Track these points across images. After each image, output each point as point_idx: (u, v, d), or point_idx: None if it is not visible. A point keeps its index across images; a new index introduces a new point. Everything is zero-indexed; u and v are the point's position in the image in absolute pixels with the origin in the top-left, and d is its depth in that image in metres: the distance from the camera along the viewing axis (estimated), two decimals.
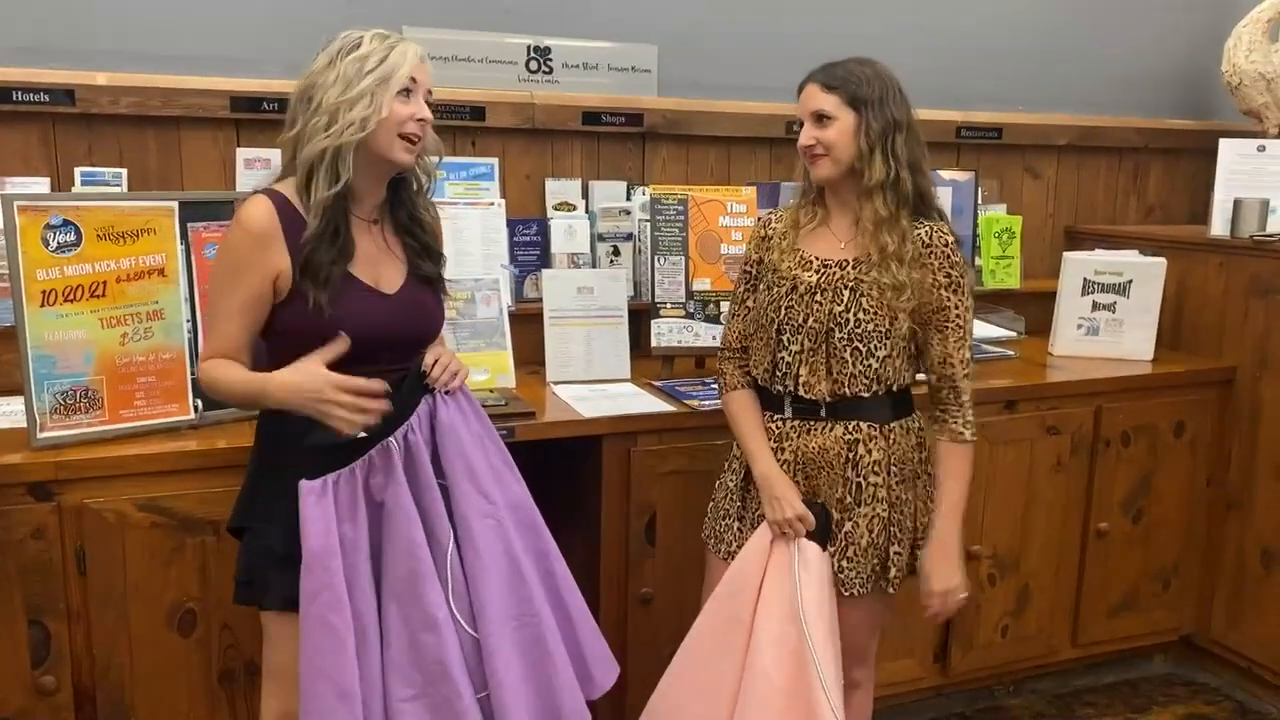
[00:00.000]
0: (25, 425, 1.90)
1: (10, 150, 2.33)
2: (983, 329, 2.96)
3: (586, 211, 2.78)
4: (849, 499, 1.90)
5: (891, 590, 1.95)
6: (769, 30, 2.98)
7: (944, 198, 2.64)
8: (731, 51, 2.98)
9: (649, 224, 2.67)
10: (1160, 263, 2.93)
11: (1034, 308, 3.13)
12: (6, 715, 1.87)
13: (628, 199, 2.81)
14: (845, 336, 1.85)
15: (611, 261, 2.72)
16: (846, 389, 1.88)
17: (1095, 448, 2.75)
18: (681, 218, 2.59)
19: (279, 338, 1.70)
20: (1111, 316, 2.93)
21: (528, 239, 2.69)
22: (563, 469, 2.40)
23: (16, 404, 1.98)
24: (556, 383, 2.47)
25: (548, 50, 2.79)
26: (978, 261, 3.04)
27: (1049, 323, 3.01)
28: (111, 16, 2.42)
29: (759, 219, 2.04)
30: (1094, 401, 2.73)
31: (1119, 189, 3.50)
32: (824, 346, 1.87)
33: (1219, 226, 2.98)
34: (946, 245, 1.87)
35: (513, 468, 1.82)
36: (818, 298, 1.87)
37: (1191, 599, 2.98)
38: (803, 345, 1.88)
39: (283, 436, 1.68)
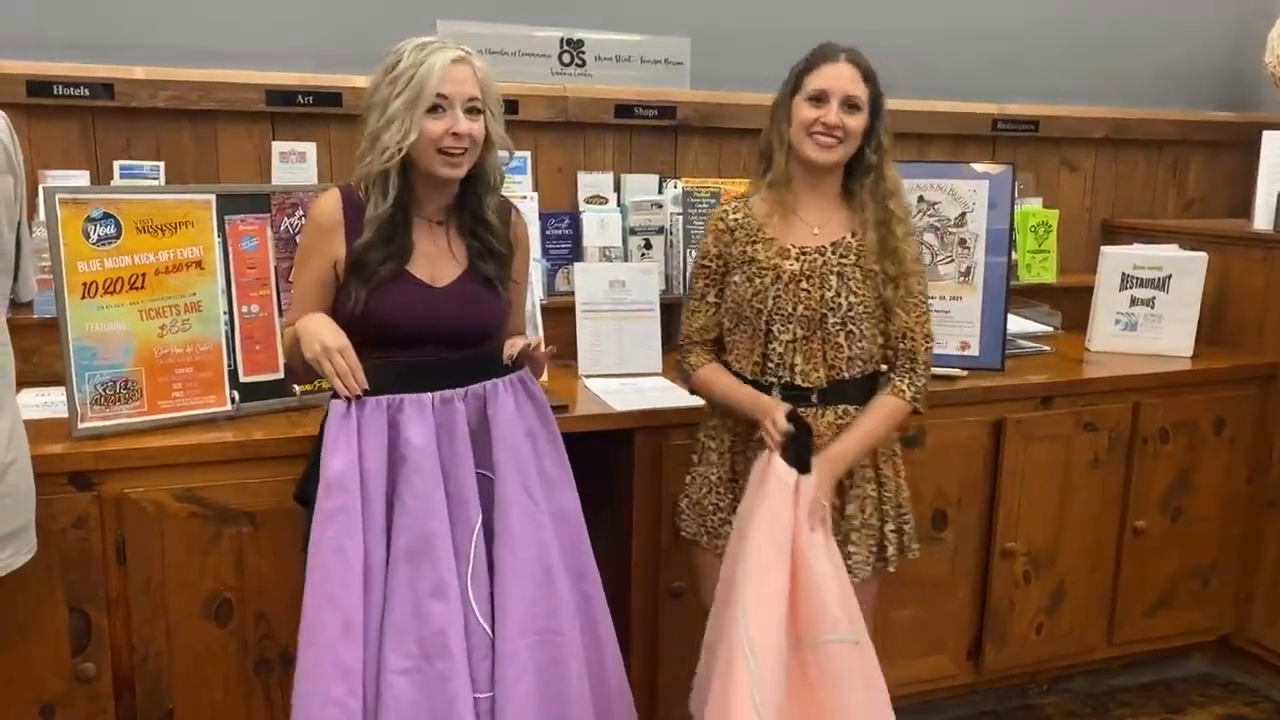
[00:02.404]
0: (66, 415, 1.92)
1: (51, 143, 2.36)
2: (1018, 324, 2.92)
3: (618, 205, 2.78)
4: (845, 482, 1.90)
5: (891, 569, 1.95)
6: (802, 22, 2.94)
7: (979, 191, 2.61)
8: (764, 44, 2.94)
9: (681, 217, 2.66)
10: (1201, 257, 2.88)
11: (1070, 303, 3.09)
12: (48, 701, 1.90)
13: (660, 192, 2.80)
14: (839, 321, 1.85)
15: (643, 255, 2.71)
16: (844, 373, 1.88)
17: (1133, 444, 2.71)
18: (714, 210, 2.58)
19: (338, 320, 1.75)
20: (1150, 312, 2.89)
21: (559, 232, 2.69)
22: (594, 462, 2.40)
23: (58, 394, 2.00)
24: (588, 376, 2.47)
25: (580, 43, 2.79)
26: (1014, 256, 3.01)
27: (1086, 318, 2.97)
28: (149, 11, 2.45)
29: (716, 212, 2.00)
30: (1132, 398, 2.69)
31: (1157, 182, 3.45)
32: (818, 333, 1.86)
33: (1262, 220, 2.92)
34: (910, 228, 1.92)
35: (569, 478, 1.81)
36: (804, 285, 1.86)
37: (1230, 598, 2.94)
38: (795, 334, 1.87)
39: None
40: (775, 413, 1.83)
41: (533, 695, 1.69)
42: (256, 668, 2.02)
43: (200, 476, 1.93)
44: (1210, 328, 2.95)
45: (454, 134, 1.67)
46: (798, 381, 1.88)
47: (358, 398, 1.64)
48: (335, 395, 1.65)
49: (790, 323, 1.87)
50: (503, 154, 1.80)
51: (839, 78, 1.84)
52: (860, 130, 1.85)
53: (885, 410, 1.89)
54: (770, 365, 1.89)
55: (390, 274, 1.70)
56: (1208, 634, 2.96)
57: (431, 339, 1.72)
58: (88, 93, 2.34)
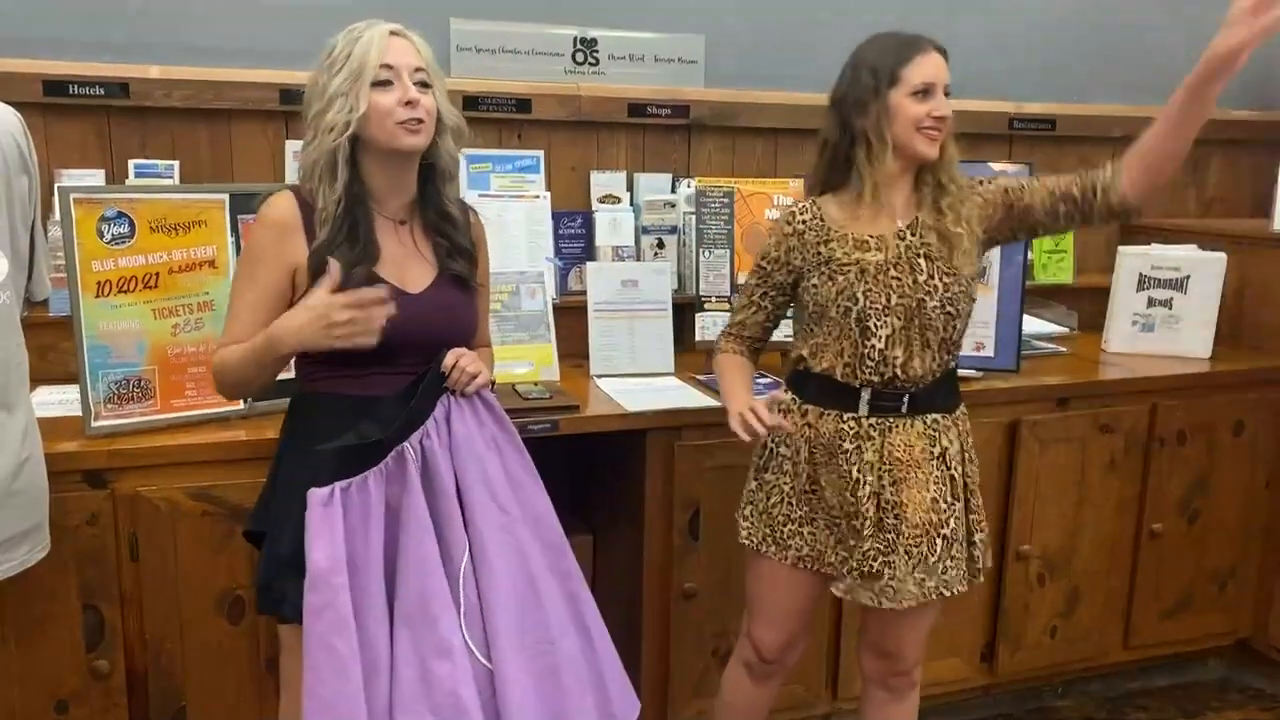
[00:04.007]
0: (80, 414, 1.93)
1: (67, 142, 2.37)
2: (1034, 324, 2.90)
3: (631, 204, 2.77)
4: (949, 494, 1.85)
5: (981, 579, 1.93)
6: (817, 20, 2.94)
7: None
8: (779, 42, 2.95)
9: (694, 216, 2.65)
10: (1220, 258, 2.85)
11: (1087, 303, 3.06)
12: (63, 697, 1.91)
13: (673, 191, 2.79)
14: (938, 303, 1.80)
15: (656, 254, 2.70)
16: (941, 357, 1.84)
17: (1150, 447, 2.68)
18: (727, 210, 2.58)
19: None
20: (1168, 313, 2.86)
21: (572, 231, 2.69)
22: (606, 463, 2.40)
23: (72, 392, 2.01)
24: (600, 376, 2.46)
25: (594, 42, 2.79)
26: (1030, 256, 2.98)
27: (1103, 318, 2.94)
28: (164, 9, 2.45)
29: (783, 214, 1.94)
30: (1149, 399, 2.67)
31: (1177, 182, 3.40)
32: (916, 320, 1.81)
33: None
34: (970, 180, 1.90)
35: (536, 478, 1.72)
36: (893, 273, 1.81)
37: (1248, 602, 2.91)
38: (893, 326, 1.80)
39: (306, 441, 1.62)
40: (746, 407, 1.78)
41: (534, 711, 1.63)
42: (268, 665, 2.02)
43: (213, 475, 1.94)
44: (1229, 329, 2.92)
45: (408, 102, 1.57)
46: (898, 375, 1.82)
47: (344, 488, 1.53)
48: (320, 481, 1.52)
49: (887, 315, 1.80)
50: (455, 140, 1.69)
51: (939, 68, 1.80)
52: None
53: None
54: (869, 363, 1.82)
55: (360, 279, 1.57)
56: (1225, 638, 2.93)
57: (411, 351, 1.62)
58: (103, 92, 2.36)
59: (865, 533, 1.83)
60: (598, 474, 2.47)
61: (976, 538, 1.90)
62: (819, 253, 1.85)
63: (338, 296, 1.52)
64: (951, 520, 1.85)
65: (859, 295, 1.81)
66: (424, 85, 1.62)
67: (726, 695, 2.11)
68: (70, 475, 1.85)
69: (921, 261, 1.81)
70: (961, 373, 2.49)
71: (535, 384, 2.31)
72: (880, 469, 1.83)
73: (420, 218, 1.71)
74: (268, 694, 2.03)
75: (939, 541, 1.84)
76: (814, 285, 1.85)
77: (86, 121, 2.38)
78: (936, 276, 1.81)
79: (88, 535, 1.88)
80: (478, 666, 1.58)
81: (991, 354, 2.57)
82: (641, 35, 2.82)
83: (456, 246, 1.70)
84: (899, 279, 1.81)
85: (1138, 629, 2.79)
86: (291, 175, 2.47)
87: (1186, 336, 2.84)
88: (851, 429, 1.85)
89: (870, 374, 1.83)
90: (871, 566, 1.83)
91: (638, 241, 2.71)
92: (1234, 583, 2.88)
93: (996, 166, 2.62)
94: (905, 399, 1.84)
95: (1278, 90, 3.41)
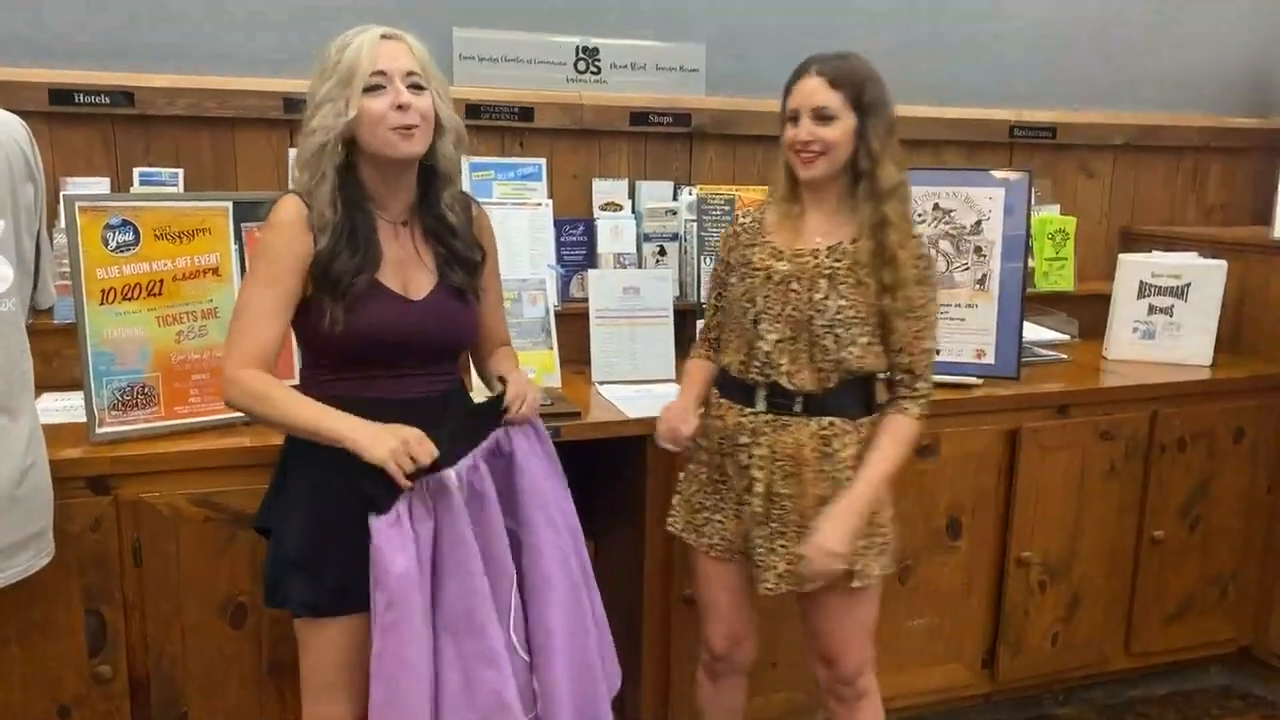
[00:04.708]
0: (84, 420, 1.95)
1: (73, 150, 2.39)
2: (1035, 332, 2.91)
3: (633, 211, 2.78)
4: (830, 495, 1.86)
5: (859, 584, 1.89)
6: (818, 29, 2.95)
7: (995, 198, 2.59)
8: (780, 50, 2.93)
9: (695, 224, 2.66)
10: (1220, 265, 2.85)
11: (1088, 311, 3.06)
12: (65, 702, 1.92)
13: (674, 199, 2.80)
14: (826, 324, 1.84)
15: (657, 261, 2.72)
16: (831, 378, 1.86)
17: (1150, 453, 2.68)
18: (728, 218, 2.58)
19: (302, 335, 1.69)
20: (1169, 320, 2.86)
21: (574, 239, 2.70)
22: (608, 469, 2.40)
23: (76, 399, 2.03)
24: (602, 382, 2.47)
25: (596, 50, 2.80)
26: (1030, 263, 2.99)
27: (1103, 326, 2.95)
28: (168, 18, 2.47)
29: (734, 217, 2.04)
30: (1149, 406, 2.67)
31: (1178, 189, 3.42)
32: (805, 334, 1.85)
33: None
34: (918, 238, 1.91)
35: (561, 478, 1.79)
36: (793, 286, 1.86)
37: (1250, 609, 2.91)
38: (782, 334, 1.86)
39: (308, 442, 1.62)
40: (670, 422, 1.93)
41: (570, 696, 1.70)
42: (270, 670, 2.03)
43: (216, 481, 1.95)
44: (1230, 336, 2.92)
45: (399, 106, 1.56)
46: (784, 383, 1.87)
47: (408, 505, 1.56)
48: (378, 511, 1.54)
49: (778, 322, 1.86)
50: (455, 144, 1.68)
51: (807, 93, 1.84)
52: (841, 138, 1.82)
53: (899, 430, 1.88)
54: (756, 364, 1.89)
55: (364, 286, 1.59)
56: (1227, 645, 2.93)
57: (411, 356, 1.65)
58: (108, 100, 2.37)
59: (757, 521, 1.90)
60: (598, 479, 2.47)
61: (863, 543, 1.87)
62: (744, 255, 1.94)
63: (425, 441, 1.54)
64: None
65: (758, 299, 1.88)
66: (417, 88, 1.60)
67: (697, 699, 2.17)
68: (74, 481, 1.86)
69: (823, 281, 1.85)
70: (962, 380, 2.53)
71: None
72: (772, 463, 1.88)
73: (420, 220, 1.71)
74: (269, 699, 2.04)
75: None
76: (731, 284, 1.95)
77: (92, 129, 2.40)
78: (832, 298, 1.84)
79: (91, 541, 1.88)
80: (518, 662, 1.65)
81: (992, 361, 2.58)
82: (643, 43, 2.84)
83: (456, 256, 1.71)
84: (797, 292, 1.86)
85: (1139, 635, 2.79)
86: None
87: (1187, 343, 2.85)
88: (749, 423, 1.91)
89: (758, 375, 1.89)
90: (760, 554, 1.90)
91: (639, 249, 2.72)
92: (1235, 589, 2.88)
93: (998, 174, 2.63)
94: (799, 399, 1.87)
95: (1277, 97, 3.42)
